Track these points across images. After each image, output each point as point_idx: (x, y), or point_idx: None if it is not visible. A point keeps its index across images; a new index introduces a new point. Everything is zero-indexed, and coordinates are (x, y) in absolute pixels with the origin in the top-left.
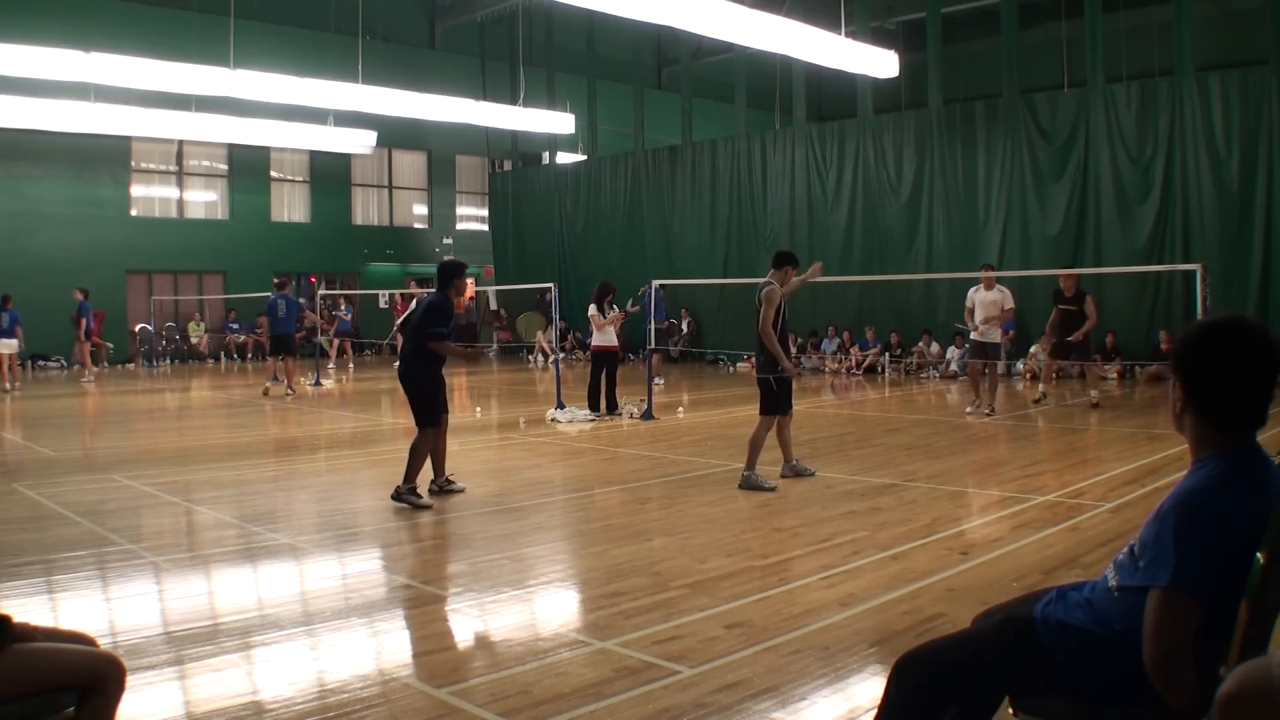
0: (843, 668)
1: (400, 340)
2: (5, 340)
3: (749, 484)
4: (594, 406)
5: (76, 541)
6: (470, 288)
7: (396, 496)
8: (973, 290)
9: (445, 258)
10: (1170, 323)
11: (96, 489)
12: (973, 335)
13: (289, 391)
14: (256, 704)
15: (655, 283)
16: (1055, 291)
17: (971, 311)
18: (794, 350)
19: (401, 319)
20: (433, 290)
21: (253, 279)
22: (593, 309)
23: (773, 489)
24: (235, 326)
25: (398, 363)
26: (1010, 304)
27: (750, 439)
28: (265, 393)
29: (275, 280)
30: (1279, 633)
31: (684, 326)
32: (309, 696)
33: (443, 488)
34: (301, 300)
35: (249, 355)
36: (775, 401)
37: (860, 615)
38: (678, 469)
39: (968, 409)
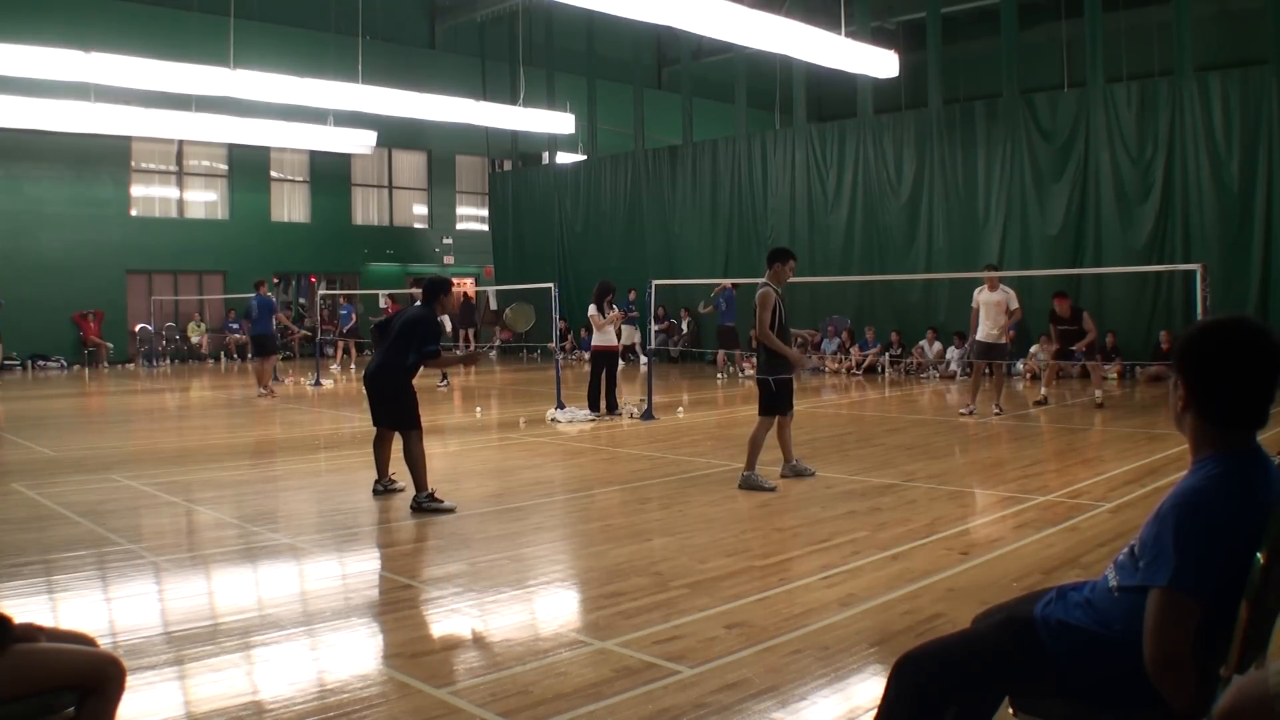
0: (843, 668)
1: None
2: None
3: (749, 484)
4: (594, 407)
5: (76, 541)
6: (470, 288)
7: (416, 507)
8: (977, 291)
9: (448, 263)
10: (1170, 323)
11: (96, 489)
12: (979, 336)
13: (261, 392)
14: (256, 704)
15: (729, 283)
16: (1050, 313)
17: (978, 313)
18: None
19: (376, 323)
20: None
21: (253, 279)
22: (593, 309)
23: (773, 489)
24: (235, 326)
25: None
26: (1015, 305)
27: (750, 439)
28: (268, 392)
29: (256, 282)
30: (1279, 635)
31: (684, 327)
32: (309, 696)
33: (387, 488)
34: (278, 298)
35: (248, 355)
36: (774, 402)
37: (860, 615)
38: (678, 469)
39: (963, 410)
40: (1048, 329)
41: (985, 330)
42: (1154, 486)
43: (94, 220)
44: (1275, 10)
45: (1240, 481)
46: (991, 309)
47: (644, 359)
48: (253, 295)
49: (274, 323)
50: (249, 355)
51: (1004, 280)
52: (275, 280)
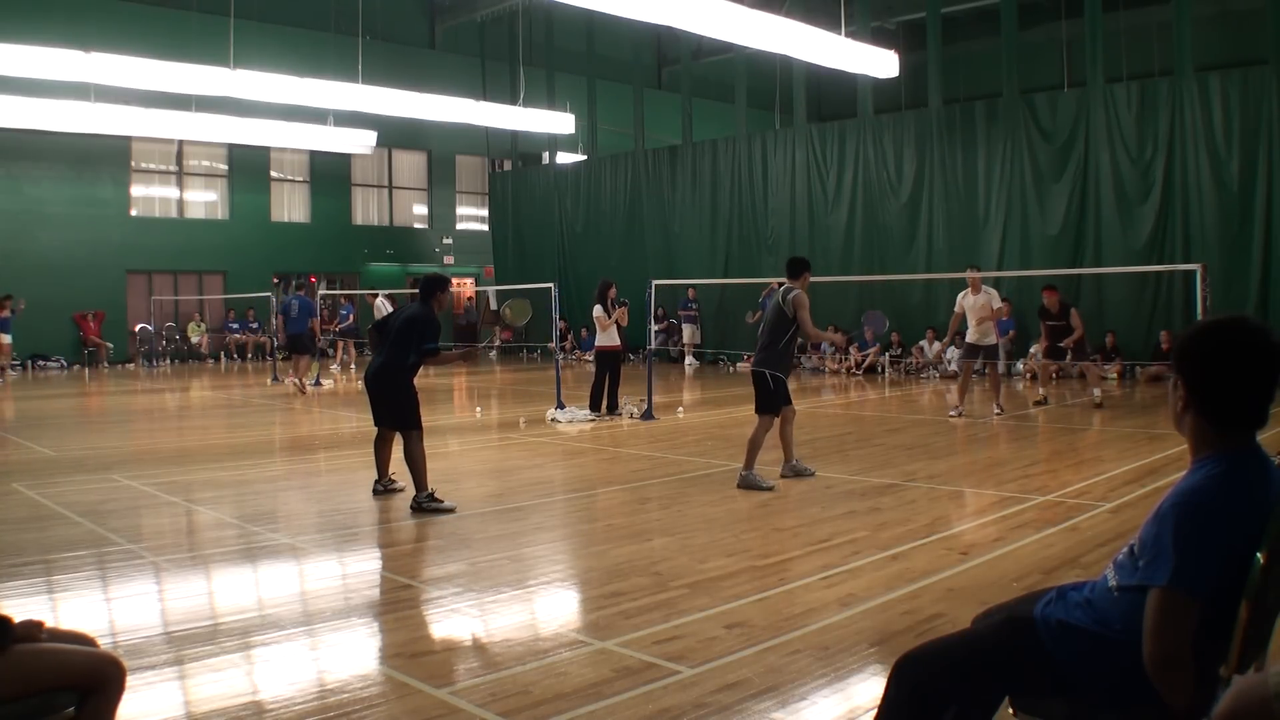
0: (843, 668)
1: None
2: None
3: (747, 483)
4: (594, 406)
5: (76, 541)
6: (469, 288)
7: (416, 507)
8: (961, 296)
9: (448, 263)
10: (1170, 323)
11: (96, 489)
12: (967, 338)
13: (298, 388)
14: (256, 704)
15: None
16: (1040, 309)
17: (961, 318)
18: (794, 350)
19: (373, 324)
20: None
21: (253, 279)
22: (598, 309)
23: (771, 488)
24: (235, 326)
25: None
26: (998, 303)
27: (750, 439)
28: (302, 390)
29: (296, 282)
30: (1279, 635)
31: (684, 327)
32: (309, 696)
33: (387, 488)
34: (318, 302)
35: (249, 355)
36: (773, 399)
37: (860, 615)
38: (678, 469)
39: (951, 412)
40: (1038, 338)
41: (971, 333)
42: (1154, 486)
43: (94, 220)
44: (1275, 10)
45: (1240, 481)
46: (976, 311)
47: (690, 361)
48: (294, 295)
49: (309, 325)
50: (285, 353)
51: (1003, 280)
52: (296, 282)
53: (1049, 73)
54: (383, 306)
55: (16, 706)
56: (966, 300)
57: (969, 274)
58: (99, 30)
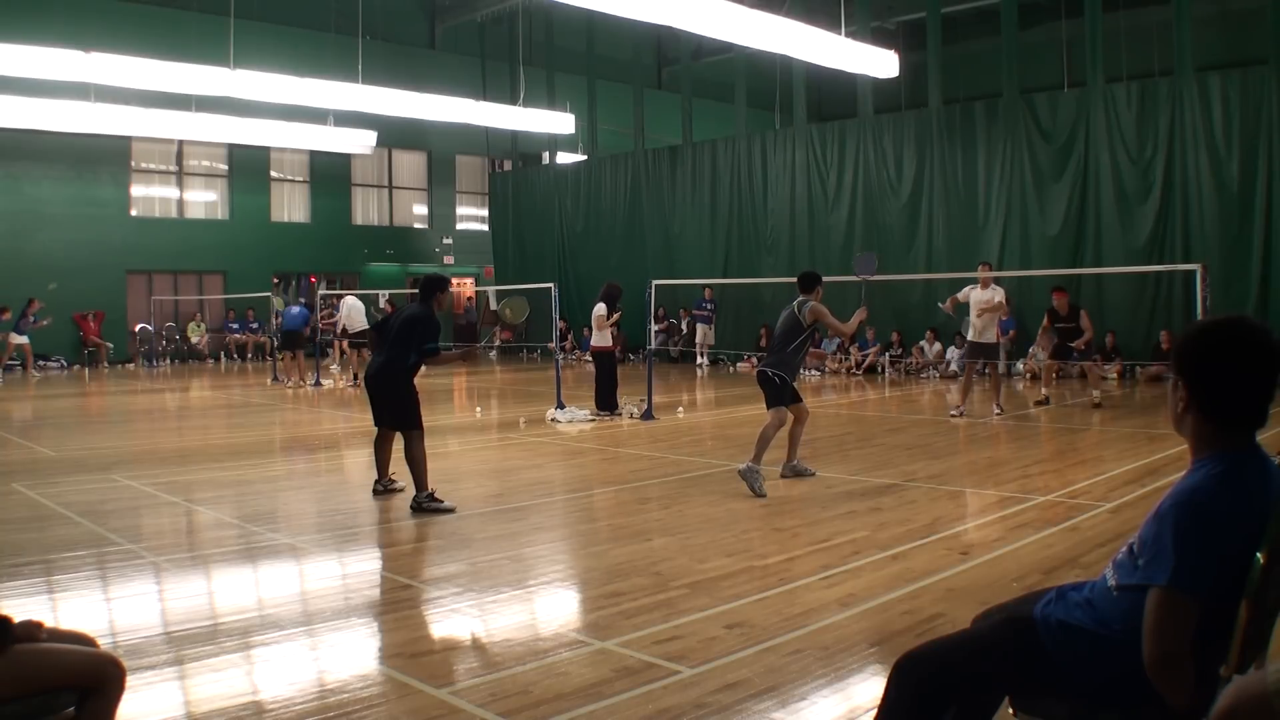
0: (843, 668)
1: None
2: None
3: (746, 477)
4: (601, 405)
5: (76, 541)
6: (469, 288)
7: (417, 507)
8: (968, 289)
9: (448, 263)
10: (1170, 323)
11: (96, 489)
12: (969, 336)
13: (300, 384)
14: (256, 704)
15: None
16: (1049, 310)
17: (956, 303)
18: (804, 356)
19: (373, 324)
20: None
21: (253, 279)
22: (602, 308)
23: (763, 496)
24: (235, 326)
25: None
26: (1000, 298)
27: (760, 434)
28: (287, 381)
29: (294, 291)
30: (1279, 635)
31: (684, 327)
32: (309, 696)
33: (387, 488)
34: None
35: (249, 355)
36: (779, 394)
37: (860, 615)
38: (678, 469)
39: (953, 411)
40: (1040, 335)
41: (975, 330)
42: (1154, 486)
43: (94, 220)
44: (1275, 10)
45: (1240, 481)
46: (979, 305)
47: (703, 361)
48: (296, 304)
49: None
50: (282, 353)
51: (1003, 280)
52: (276, 280)
53: (1049, 73)
54: (346, 305)
55: (16, 706)
56: (974, 294)
57: (981, 270)
58: (99, 30)
